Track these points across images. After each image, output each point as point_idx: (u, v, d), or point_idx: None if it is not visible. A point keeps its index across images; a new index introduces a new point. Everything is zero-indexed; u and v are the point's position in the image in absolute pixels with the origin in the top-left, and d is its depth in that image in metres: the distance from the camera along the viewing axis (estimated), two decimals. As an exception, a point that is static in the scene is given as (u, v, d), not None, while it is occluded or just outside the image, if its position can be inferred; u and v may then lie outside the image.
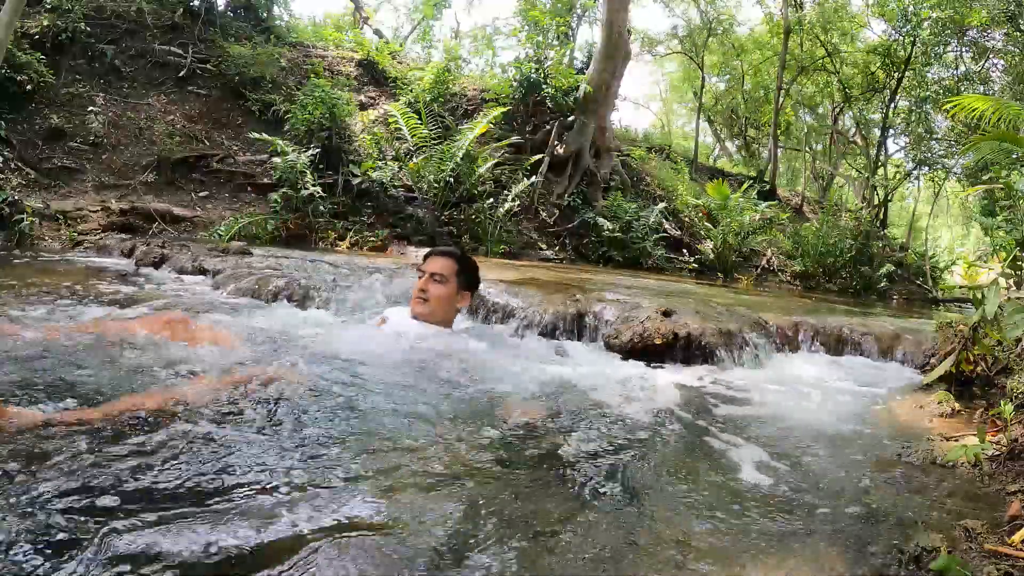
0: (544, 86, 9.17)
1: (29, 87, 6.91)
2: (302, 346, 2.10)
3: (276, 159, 6.62)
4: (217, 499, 1.04)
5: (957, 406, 2.09)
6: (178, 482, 1.08)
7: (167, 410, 1.37)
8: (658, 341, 2.52)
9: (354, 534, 0.99)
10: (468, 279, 2.37)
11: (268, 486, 1.11)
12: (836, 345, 2.91)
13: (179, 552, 0.87)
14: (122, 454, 1.15)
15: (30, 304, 2.51)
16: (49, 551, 0.85)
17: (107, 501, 0.98)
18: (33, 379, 1.50)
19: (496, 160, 8.09)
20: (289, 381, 1.62)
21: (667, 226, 9.59)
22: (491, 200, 7.64)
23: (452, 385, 1.86)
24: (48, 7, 7.67)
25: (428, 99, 8.66)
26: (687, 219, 9.99)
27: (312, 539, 0.95)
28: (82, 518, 0.93)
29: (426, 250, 2.54)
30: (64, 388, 1.47)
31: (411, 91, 8.92)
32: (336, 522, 1.01)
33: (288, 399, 1.54)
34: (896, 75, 11.28)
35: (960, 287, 8.92)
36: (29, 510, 0.93)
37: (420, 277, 2.31)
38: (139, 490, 1.04)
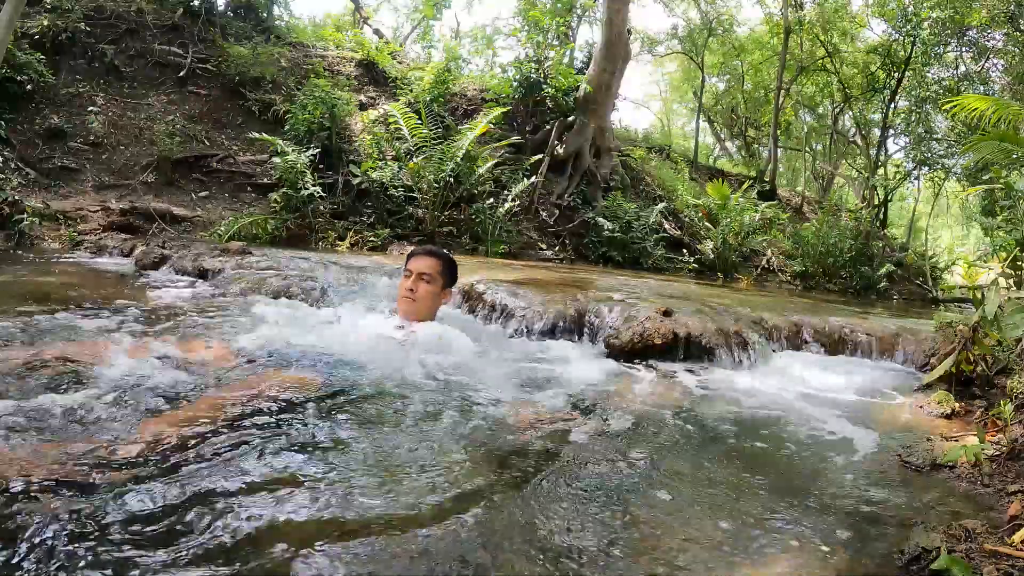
0: (544, 86, 9.16)
1: (29, 87, 6.90)
2: (312, 350, 2.07)
3: (276, 159, 6.61)
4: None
5: (957, 406, 2.09)
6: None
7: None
8: (658, 341, 2.52)
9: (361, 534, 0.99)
10: (451, 276, 2.47)
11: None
12: (836, 345, 2.91)
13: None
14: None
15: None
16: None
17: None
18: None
19: (496, 160, 8.08)
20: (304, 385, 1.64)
21: (667, 226, 9.59)
22: (491, 200, 7.63)
23: (451, 389, 1.86)
24: (48, 7, 7.67)
25: (428, 99, 8.64)
26: (687, 219, 9.97)
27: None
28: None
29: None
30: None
31: (411, 91, 8.91)
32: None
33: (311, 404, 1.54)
34: (896, 75, 11.28)
35: (960, 287, 8.91)
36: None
37: (407, 276, 2.35)
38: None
